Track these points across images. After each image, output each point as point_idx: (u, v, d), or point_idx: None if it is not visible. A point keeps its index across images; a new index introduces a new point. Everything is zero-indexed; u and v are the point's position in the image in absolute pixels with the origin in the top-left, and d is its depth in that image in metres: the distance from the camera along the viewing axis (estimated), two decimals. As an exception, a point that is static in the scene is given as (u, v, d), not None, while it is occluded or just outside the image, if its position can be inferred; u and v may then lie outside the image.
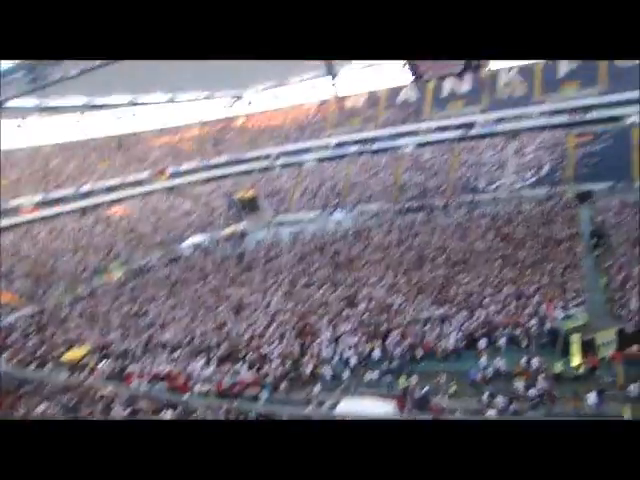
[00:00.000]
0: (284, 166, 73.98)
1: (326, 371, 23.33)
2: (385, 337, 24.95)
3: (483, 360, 21.83)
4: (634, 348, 20.59)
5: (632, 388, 18.38)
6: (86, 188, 65.21)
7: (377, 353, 23.98)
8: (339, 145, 71.95)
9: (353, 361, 23.73)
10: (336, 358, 24.25)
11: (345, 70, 73.17)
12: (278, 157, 74.73)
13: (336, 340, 25.75)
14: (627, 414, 17.14)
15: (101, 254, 54.43)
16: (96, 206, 64.64)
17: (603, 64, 64.00)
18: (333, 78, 74.65)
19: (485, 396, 19.04)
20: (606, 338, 21.01)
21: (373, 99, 75.65)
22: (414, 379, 20.93)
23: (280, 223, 61.13)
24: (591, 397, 18.05)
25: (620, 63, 62.68)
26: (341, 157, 70.92)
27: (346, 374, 22.92)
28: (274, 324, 28.92)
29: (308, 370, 23.64)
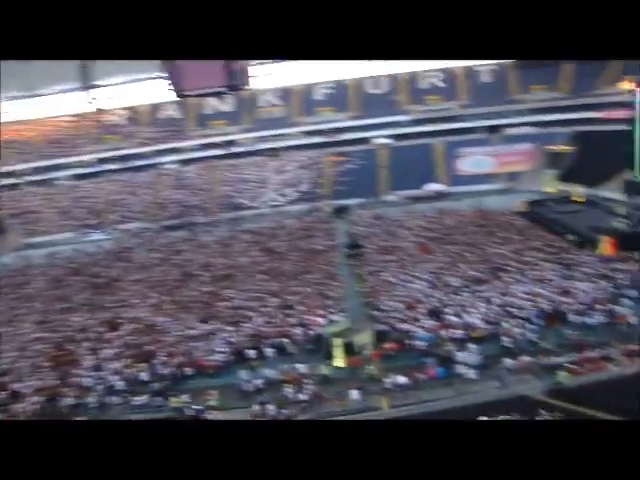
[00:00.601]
0: (34, 184, 67.93)
1: (91, 400, 21.64)
2: (152, 358, 23.96)
3: (253, 371, 22.07)
4: (388, 345, 22.59)
5: (388, 381, 20.08)
6: None
7: (144, 375, 22.89)
8: (98, 162, 68.35)
9: (119, 386, 22.32)
10: (100, 385, 22.62)
11: (104, 83, 69.99)
12: (27, 174, 68.39)
13: (99, 366, 24.08)
14: (384, 405, 18.78)
15: None
16: None
17: (355, 90, 69.70)
18: (91, 91, 70.85)
19: (257, 406, 19.23)
20: (365, 339, 22.79)
21: (134, 115, 73.35)
22: (185, 397, 20.40)
23: (31, 246, 56.03)
24: (354, 394, 19.47)
25: (371, 90, 69.01)
26: (99, 174, 67.38)
27: (113, 401, 21.47)
28: (27, 356, 26.13)
29: (69, 402, 21.69)
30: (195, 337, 25.61)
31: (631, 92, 45.59)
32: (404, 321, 24.15)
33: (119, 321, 28.84)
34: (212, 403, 20.11)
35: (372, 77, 71.47)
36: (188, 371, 22.97)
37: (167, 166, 67.70)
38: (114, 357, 24.60)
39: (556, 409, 14.45)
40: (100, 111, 72.59)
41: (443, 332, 22.76)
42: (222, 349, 24.01)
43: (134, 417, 19.71)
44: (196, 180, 64.69)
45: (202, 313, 28.55)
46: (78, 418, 19.98)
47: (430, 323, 23.65)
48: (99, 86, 70.52)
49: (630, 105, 45.00)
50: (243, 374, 21.83)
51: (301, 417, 18.63)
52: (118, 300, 32.53)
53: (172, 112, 72.38)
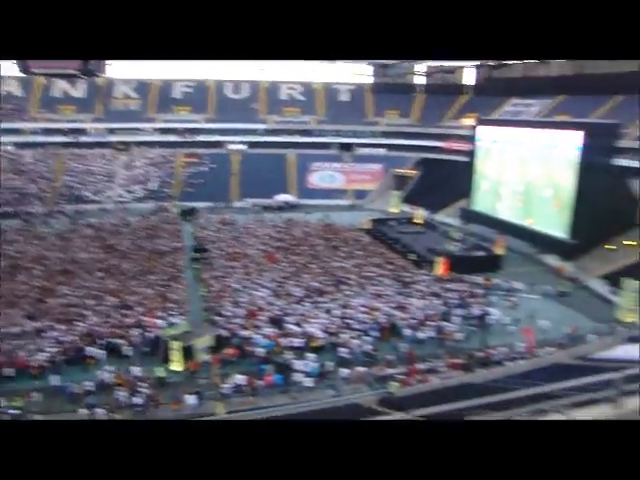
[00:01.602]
0: None
1: None
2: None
3: (83, 372, 21.07)
4: (228, 351, 22.52)
5: (225, 387, 20.10)
6: None
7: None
8: None
9: None
10: None
11: None
12: None
13: None
14: (220, 410, 18.61)
15: None
16: None
17: (214, 93, 68.78)
18: None
19: (84, 409, 18.22)
20: (204, 343, 22.50)
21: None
22: (3, 400, 18.81)
23: None
24: (190, 399, 19.23)
25: (230, 94, 68.53)
26: None
27: None
28: None
29: None
30: (20, 335, 23.78)
31: (472, 127, 49.52)
32: (245, 327, 24.19)
33: None
34: (31, 406, 18.77)
35: (233, 81, 71.13)
36: (8, 371, 21.21)
37: (3, 147, 62.51)
38: None
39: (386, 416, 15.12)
40: None
41: (283, 340, 23.06)
42: (50, 348, 22.49)
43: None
44: (35, 166, 60.40)
45: (31, 309, 26.61)
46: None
47: (271, 331, 23.88)
48: None
49: (470, 139, 48.88)
50: (72, 375, 20.63)
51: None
52: None
53: (14, 89, 66.89)
